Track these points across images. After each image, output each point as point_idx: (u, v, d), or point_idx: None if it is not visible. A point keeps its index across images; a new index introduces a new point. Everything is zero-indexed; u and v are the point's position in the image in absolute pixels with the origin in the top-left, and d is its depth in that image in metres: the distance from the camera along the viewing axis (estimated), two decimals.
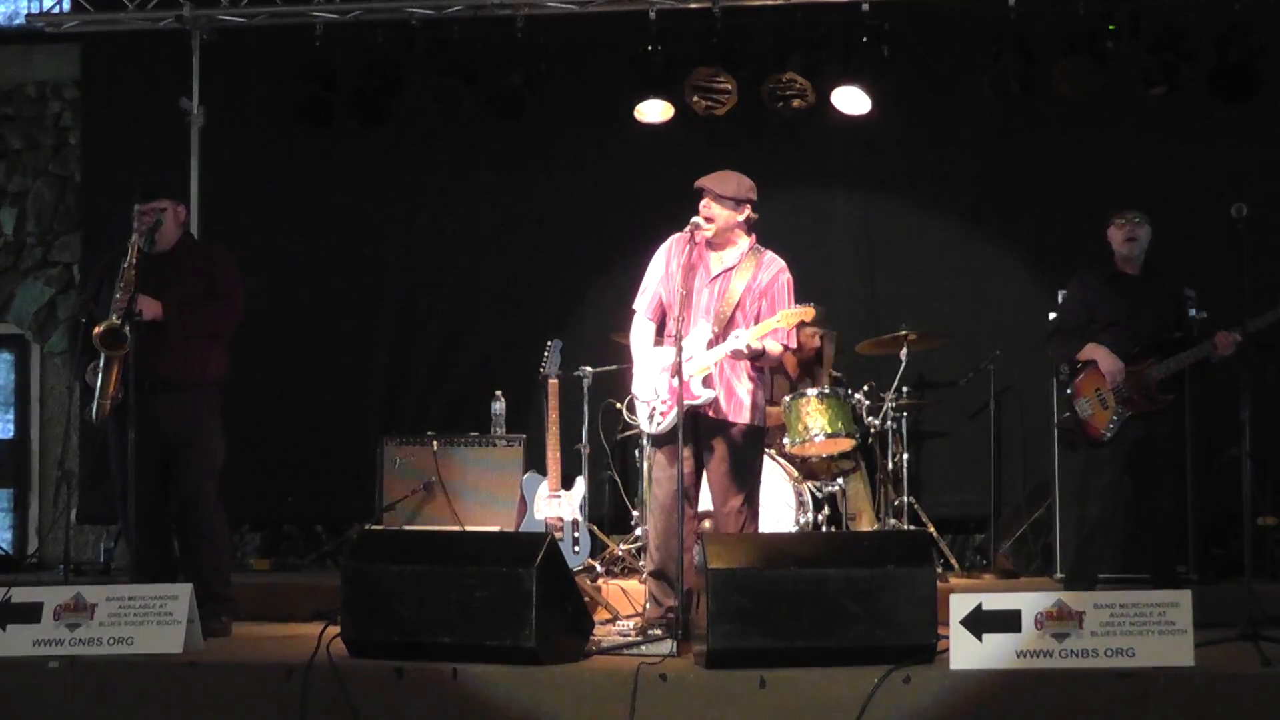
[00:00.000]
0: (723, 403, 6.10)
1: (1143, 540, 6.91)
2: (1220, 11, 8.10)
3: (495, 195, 9.23)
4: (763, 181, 8.67)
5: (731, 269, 6.17)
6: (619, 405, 7.91)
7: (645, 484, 6.36)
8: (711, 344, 6.09)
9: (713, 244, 6.18)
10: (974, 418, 8.59)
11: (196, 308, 6.41)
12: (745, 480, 6.19)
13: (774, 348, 6.11)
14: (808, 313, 6.13)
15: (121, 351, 6.15)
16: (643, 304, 6.30)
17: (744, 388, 6.16)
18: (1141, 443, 6.58)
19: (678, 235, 6.26)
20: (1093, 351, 6.70)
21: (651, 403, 6.13)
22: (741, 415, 6.15)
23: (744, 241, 6.22)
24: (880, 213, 8.95)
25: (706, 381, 6.06)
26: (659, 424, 6.10)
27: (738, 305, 6.13)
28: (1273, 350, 6.63)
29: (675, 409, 5.90)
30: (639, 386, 6.21)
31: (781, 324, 6.11)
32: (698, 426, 6.10)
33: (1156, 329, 6.61)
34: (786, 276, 6.22)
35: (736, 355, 6.04)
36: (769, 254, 6.23)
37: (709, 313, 6.13)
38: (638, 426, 6.32)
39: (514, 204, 9.20)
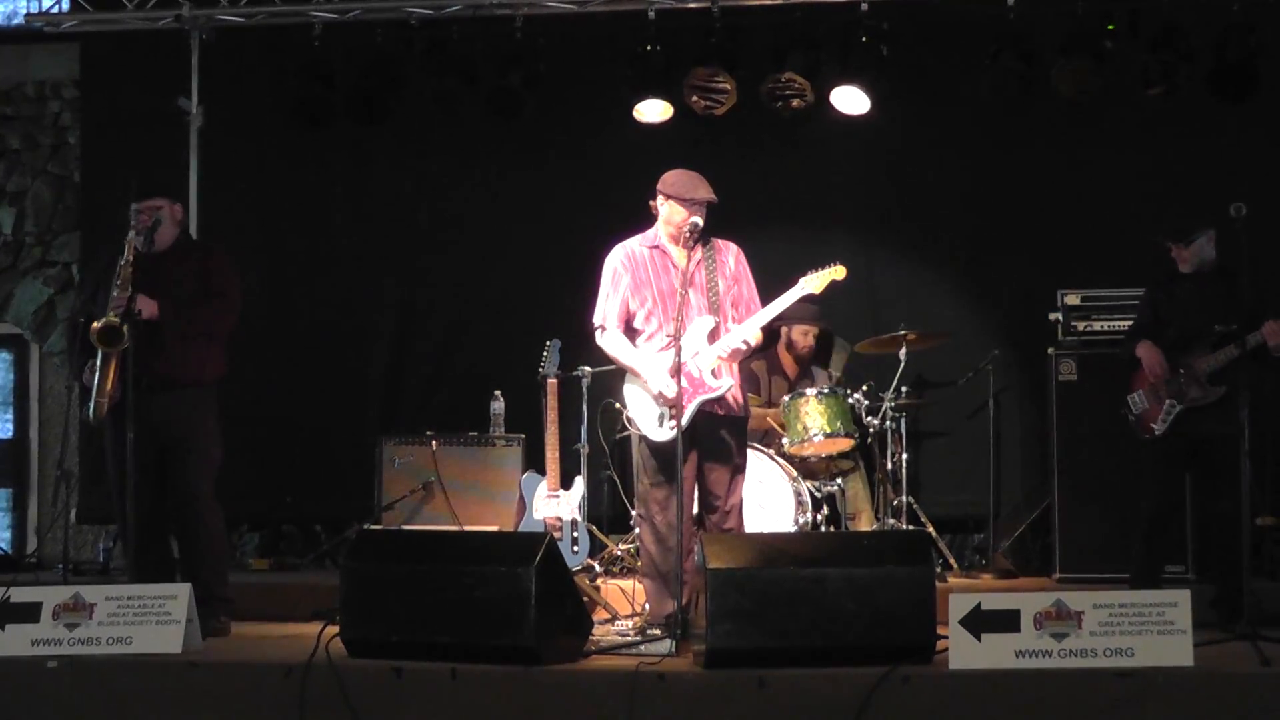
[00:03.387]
0: (729, 394, 6.15)
1: (1212, 544, 6.94)
2: (1219, 11, 8.09)
3: (494, 195, 9.23)
4: (761, 181, 8.72)
5: (700, 260, 6.23)
6: (618, 405, 7.91)
7: (638, 485, 6.33)
8: (713, 335, 6.12)
9: (684, 244, 6.19)
10: (973, 418, 8.58)
11: (193, 307, 6.41)
12: (741, 475, 6.28)
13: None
14: (838, 271, 6.29)
15: (119, 347, 6.14)
16: (611, 318, 6.29)
17: (736, 380, 6.25)
18: (1199, 442, 6.54)
19: (627, 245, 6.32)
20: (1140, 348, 6.70)
21: (660, 409, 6.13)
22: (739, 407, 6.24)
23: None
24: (879, 212, 8.94)
25: (716, 372, 6.10)
26: (672, 430, 6.06)
27: (720, 295, 6.20)
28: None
29: (687, 409, 5.94)
30: (671, 393, 6.06)
31: (809, 289, 6.27)
32: (696, 425, 6.11)
33: (1210, 323, 6.56)
34: (743, 255, 6.35)
35: (765, 331, 6.21)
36: (720, 240, 6.32)
37: (700, 308, 6.17)
38: (634, 434, 6.28)
39: (513, 203, 9.20)
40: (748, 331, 6.14)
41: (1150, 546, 6.65)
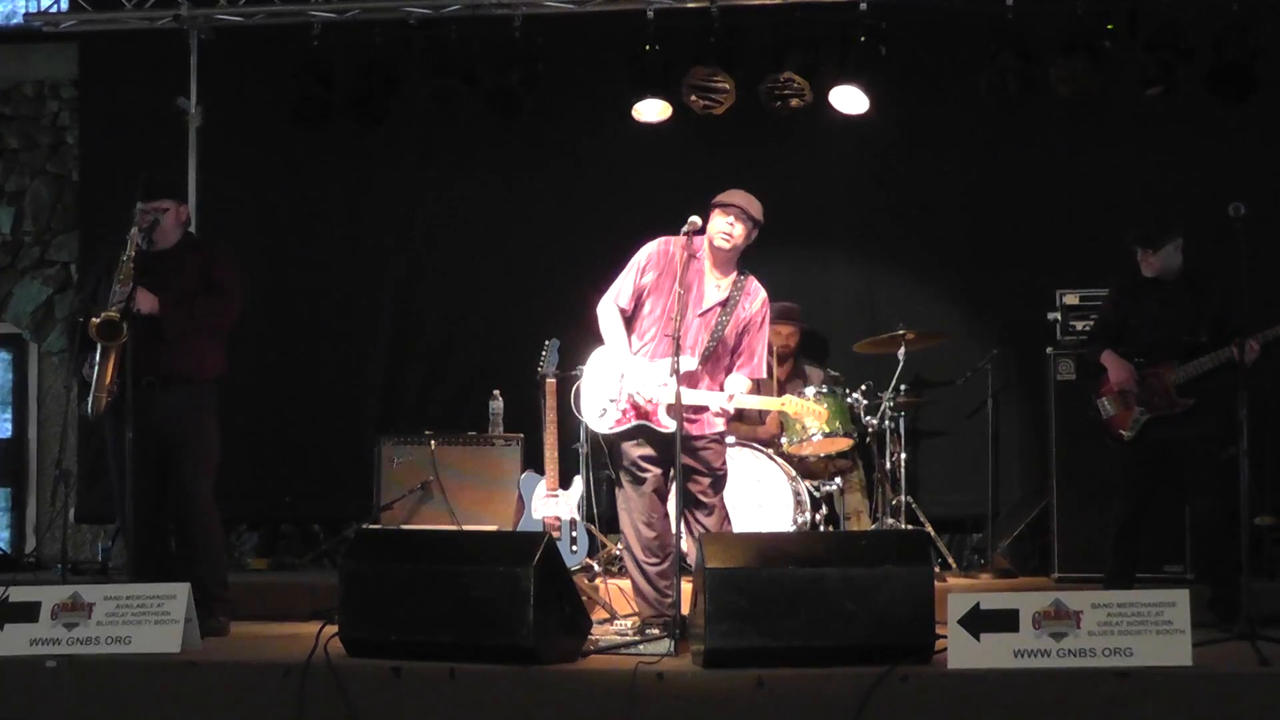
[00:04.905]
0: (702, 418, 6.16)
1: (1194, 544, 7.12)
2: (1218, 11, 8.09)
3: (493, 194, 9.23)
4: (760, 181, 8.65)
5: (722, 303, 6.15)
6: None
7: (620, 486, 6.34)
8: (686, 380, 5.97)
9: (717, 262, 6.16)
10: (971, 417, 8.58)
11: (194, 303, 6.40)
12: (721, 485, 6.27)
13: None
14: (821, 414, 6.47)
15: (118, 342, 6.14)
16: (623, 297, 6.26)
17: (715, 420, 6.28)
18: (1168, 445, 6.57)
19: (669, 243, 6.21)
20: (1105, 358, 6.72)
21: (603, 403, 6.14)
22: (716, 425, 6.23)
23: (733, 271, 6.23)
24: (878, 212, 8.94)
25: (670, 411, 5.99)
26: (610, 426, 6.12)
27: (721, 340, 6.15)
28: (1270, 348, 6.62)
29: (626, 422, 6.03)
30: (646, 395, 6.09)
31: (788, 410, 6.31)
32: (668, 439, 6.08)
33: (1178, 333, 6.59)
34: (767, 311, 6.26)
35: (723, 414, 6.17)
36: (753, 281, 6.24)
37: (693, 349, 6.10)
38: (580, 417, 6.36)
39: (511, 203, 9.19)
40: (716, 404, 6.09)
41: (1121, 548, 6.69)
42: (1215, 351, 6.45)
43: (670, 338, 5.88)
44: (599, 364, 6.30)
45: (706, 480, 6.19)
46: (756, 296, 6.21)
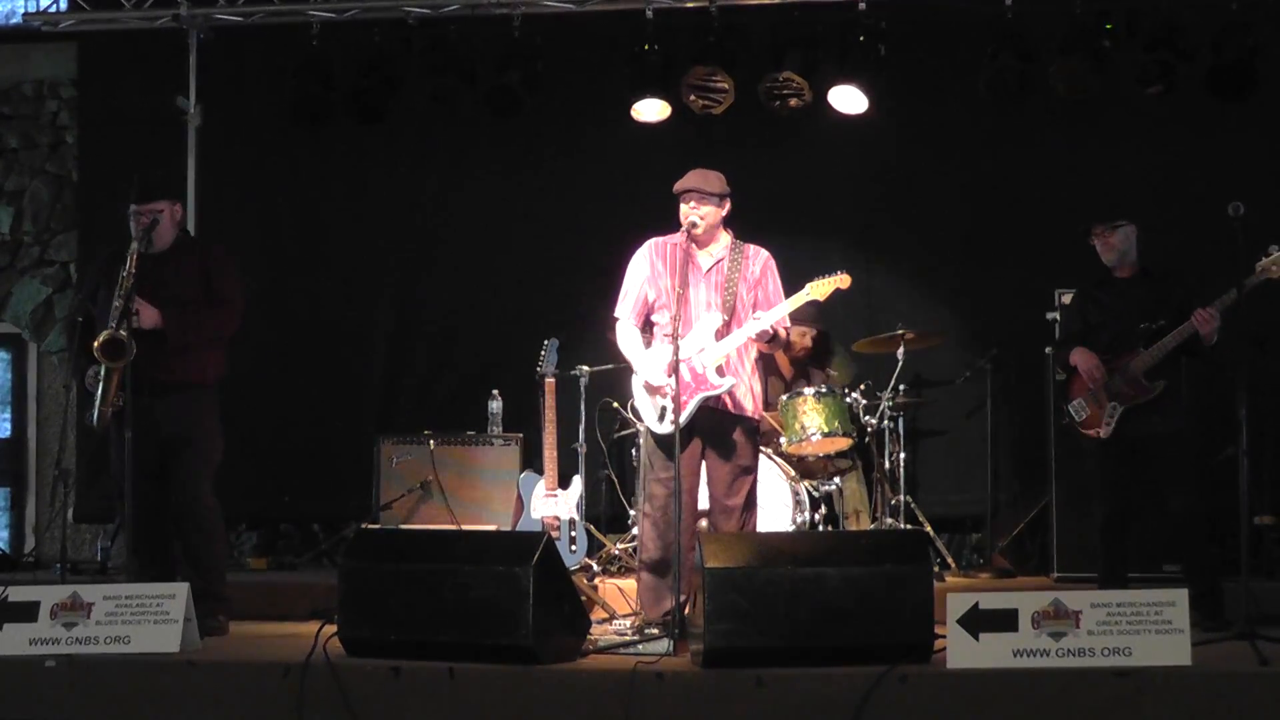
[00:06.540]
0: (735, 393, 6.15)
1: (1173, 540, 7.01)
2: (1217, 10, 8.10)
3: (492, 194, 9.23)
4: (759, 180, 8.73)
5: (722, 260, 6.26)
6: (616, 404, 7.92)
7: (641, 482, 6.34)
8: (721, 332, 6.15)
9: (699, 241, 6.25)
10: (971, 417, 8.59)
11: (196, 314, 6.35)
12: (749, 474, 6.28)
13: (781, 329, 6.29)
14: (843, 280, 6.33)
15: (122, 363, 6.10)
16: (625, 309, 6.36)
17: (749, 378, 6.25)
18: (1141, 442, 6.57)
19: (655, 240, 6.34)
20: (1074, 356, 6.72)
21: (662, 401, 6.13)
22: (749, 406, 6.24)
23: (725, 237, 6.33)
24: (877, 212, 8.94)
25: (720, 370, 6.11)
26: (673, 420, 6.09)
27: (737, 295, 6.21)
28: (1268, 346, 6.61)
29: (687, 405, 5.96)
30: (657, 383, 6.16)
31: (814, 295, 6.29)
32: (700, 421, 6.11)
33: (1138, 322, 6.59)
34: (773, 262, 6.36)
35: (761, 336, 6.18)
36: (751, 246, 6.34)
37: (710, 305, 6.20)
38: (641, 428, 6.30)
39: (510, 203, 9.20)
40: (751, 329, 6.16)
41: (1108, 549, 6.68)
42: (1176, 329, 6.45)
43: (674, 321, 5.96)
44: (636, 382, 6.33)
45: (726, 473, 6.18)
46: (760, 255, 6.34)
